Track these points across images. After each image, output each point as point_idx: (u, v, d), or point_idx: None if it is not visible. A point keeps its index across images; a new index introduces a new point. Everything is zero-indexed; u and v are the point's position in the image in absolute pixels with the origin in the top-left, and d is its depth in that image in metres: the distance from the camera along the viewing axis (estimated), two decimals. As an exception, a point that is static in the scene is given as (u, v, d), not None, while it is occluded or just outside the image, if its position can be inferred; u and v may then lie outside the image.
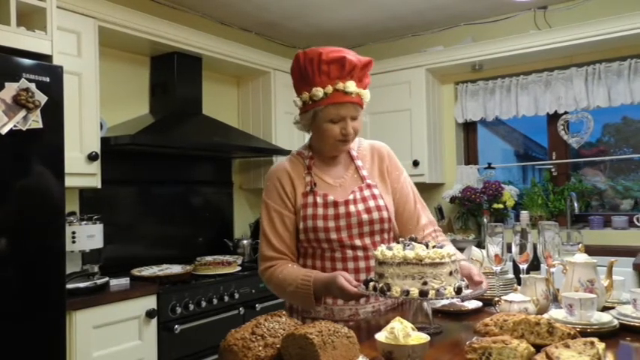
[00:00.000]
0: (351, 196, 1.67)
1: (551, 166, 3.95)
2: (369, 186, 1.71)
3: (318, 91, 1.60)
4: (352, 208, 1.65)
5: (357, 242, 1.66)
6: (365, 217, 1.65)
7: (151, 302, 2.57)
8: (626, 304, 1.62)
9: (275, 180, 1.71)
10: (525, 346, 1.13)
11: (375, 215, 1.67)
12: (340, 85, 1.59)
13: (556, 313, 1.51)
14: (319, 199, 1.66)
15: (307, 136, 1.82)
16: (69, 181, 2.25)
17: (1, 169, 1.96)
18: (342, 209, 1.64)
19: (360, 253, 1.66)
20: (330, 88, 1.60)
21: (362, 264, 1.66)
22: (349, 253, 1.65)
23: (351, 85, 1.60)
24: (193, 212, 3.62)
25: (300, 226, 1.66)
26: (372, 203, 1.67)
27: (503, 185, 3.83)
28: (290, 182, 1.69)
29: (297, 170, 1.72)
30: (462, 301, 1.45)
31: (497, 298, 1.64)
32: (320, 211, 1.65)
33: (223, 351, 1.15)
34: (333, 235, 1.64)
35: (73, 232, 2.53)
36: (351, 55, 1.62)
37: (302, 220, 1.66)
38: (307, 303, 1.61)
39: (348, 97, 1.60)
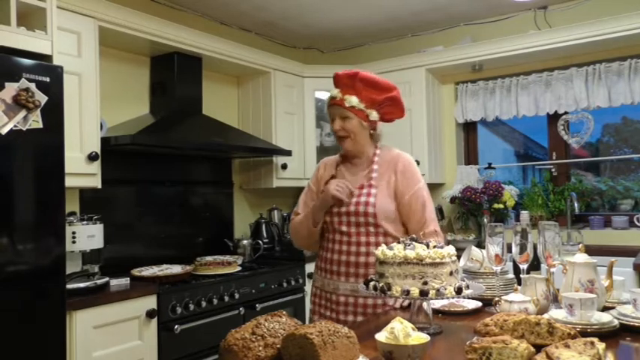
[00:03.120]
0: None
1: (552, 166, 3.94)
2: (370, 185, 1.97)
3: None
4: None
5: (344, 228, 1.96)
6: (352, 208, 1.94)
7: (151, 302, 2.57)
8: (626, 304, 1.62)
9: (319, 166, 2.20)
10: (525, 346, 1.14)
11: (361, 208, 1.93)
12: (330, 94, 2.06)
13: (556, 313, 1.51)
14: None
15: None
16: (69, 181, 2.25)
17: (1, 169, 1.96)
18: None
19: (344, 238, 1.96)
20: (328, 98, 2.07)
21: (344, 247, 1.96)
22: (337, 236, 1.98)
23: (334, 91, 2.03)
24: (193, 212, 3.62)
25: None
26: (363, 199, 1.95)
27: (503, 185, 3.83)
28: (324, 170, 2.14)
29: (332, 163, 2.14)
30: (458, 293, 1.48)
31: (497, 298, 1.64)
32: None
33: (223, 351, 1.15)
34: (327, 218, 2.00)
35: (74, 232, 2.52)
36: (342, 72, 2.02)
37: None
38: (315, 212, 2.01)
39: (332, 100, 2.03)
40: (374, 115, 2.00)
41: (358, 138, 2.01)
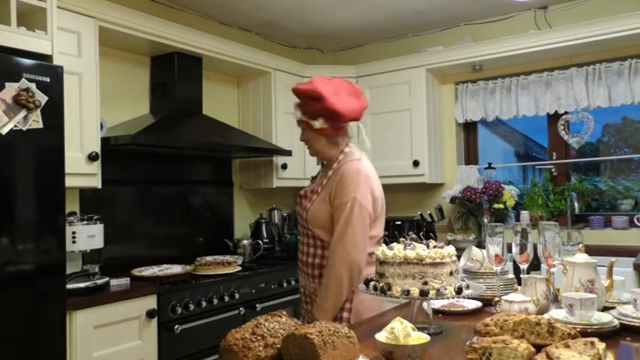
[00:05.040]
0: (303, 192, 2.12)
1: (552, 166, 3.94)
2: (316, 192, 2.05)
3: None
4: (301, 202, 2.11)
5: (300, 229, 2.12)
6: (298, 208, 2.10)
7: (151, 302, 2.57)
8: (626, 304, 1.62)
9: None
10: (526, 346, 1.14)
11: (302, 212, 2.06)
12: None
13: (556, 313, 1.51)
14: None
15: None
16: (69, 181, 2.25)
17: (1, 169, 1.96)
18: (298, 200, 2.13)
19: (300, 238, 2.12)
20: None
21: (300, 247, 2.11)
22: (299, 237, 2.14)
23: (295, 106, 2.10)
24: (193, 212, 3.62)
25: None
26: (305, 203, 2.06)
27: (503, 185, 3.83)
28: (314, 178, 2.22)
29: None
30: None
31: (497, 298, 1.64)
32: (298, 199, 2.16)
33: (223, 351, 1.15)
34: (298, 218, 2.13)
35: (74, 232, 2.52)
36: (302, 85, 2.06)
37: None
38: None
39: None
40: (317, 123, 2.01)
41: (316, 146, 2.10)
